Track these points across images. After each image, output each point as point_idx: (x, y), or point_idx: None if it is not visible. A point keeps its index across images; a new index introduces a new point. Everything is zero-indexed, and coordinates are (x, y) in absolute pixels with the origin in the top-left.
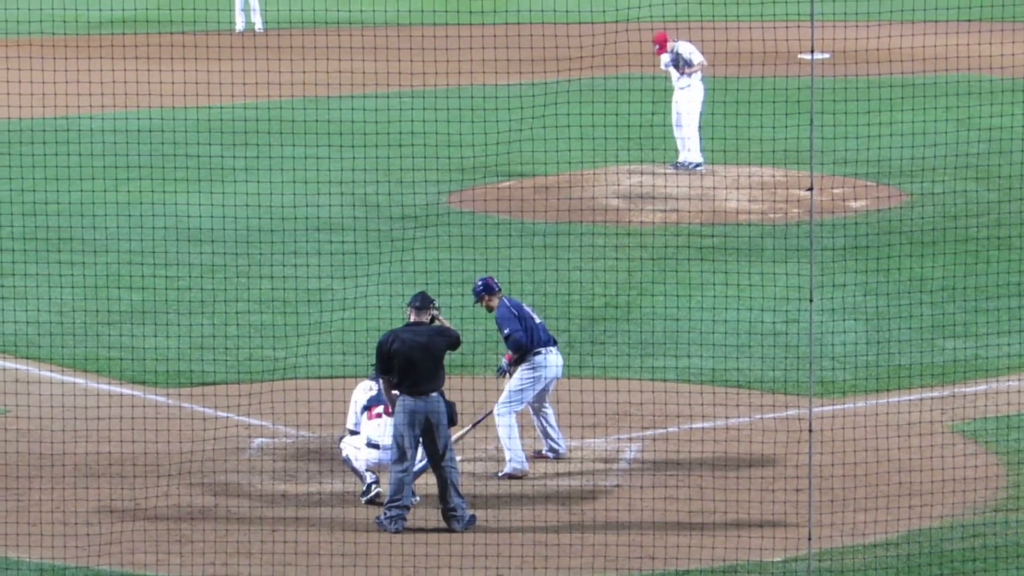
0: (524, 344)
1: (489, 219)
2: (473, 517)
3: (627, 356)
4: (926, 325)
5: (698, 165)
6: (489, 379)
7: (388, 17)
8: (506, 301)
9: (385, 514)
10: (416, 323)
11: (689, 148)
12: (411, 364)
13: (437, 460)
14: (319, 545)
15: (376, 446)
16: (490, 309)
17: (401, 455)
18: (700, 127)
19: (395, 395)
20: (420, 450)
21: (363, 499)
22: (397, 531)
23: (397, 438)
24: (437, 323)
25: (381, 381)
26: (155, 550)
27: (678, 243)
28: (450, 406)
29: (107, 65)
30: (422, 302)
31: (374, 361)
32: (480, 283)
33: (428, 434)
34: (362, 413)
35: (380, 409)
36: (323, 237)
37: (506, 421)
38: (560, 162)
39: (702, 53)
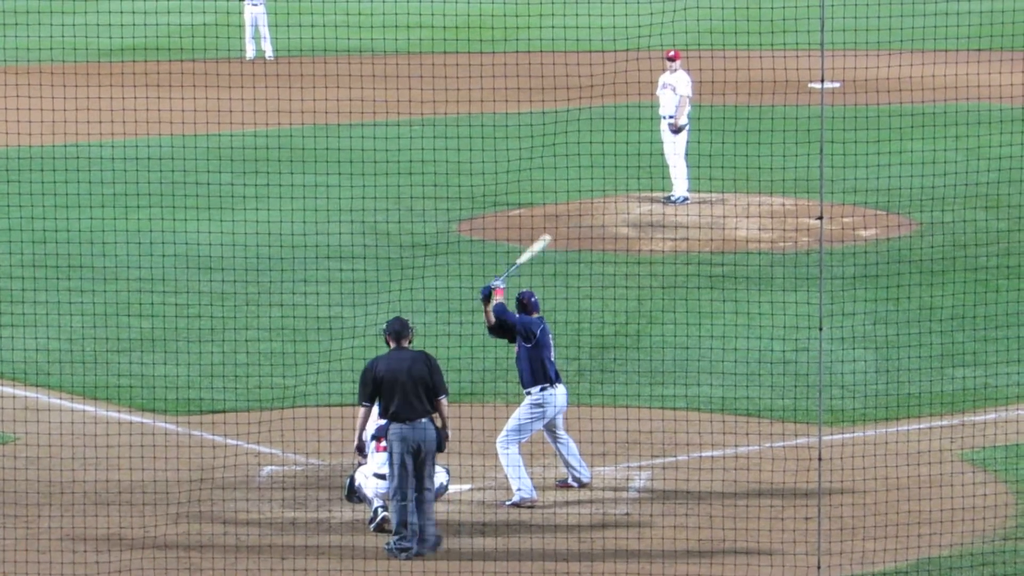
0: (507, 323)
1: (499, 247)
2: (438, 541)
3: (637, 384)
4: (935, 354)
5: (684, 200)
6: (499, 407)
7: (399, 45)
8: (526, 319)
9: (393, 543)
10: (398, 348)
11: (676, 177)
12: (395, 390)
13: (419, 484)
14: (328, 573)
15: (382, 477)
16: None
17: (398, 485)
18: (687, 156)
19: (380, 426)
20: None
21: (370, 527)
22: (408, 559)
23: (391, 467)
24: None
25: (361, 411)
26: None
27: (688, 271)
28: (439, 432)
29: (117, 93)
30: (400, 330)
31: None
32: (518, 297)
33: (417, 459)
34: (370, 442)
35: (387, 442)
36: (333, 265)
37: (511, 451)
38: (570, 190)
39: (691, 90)
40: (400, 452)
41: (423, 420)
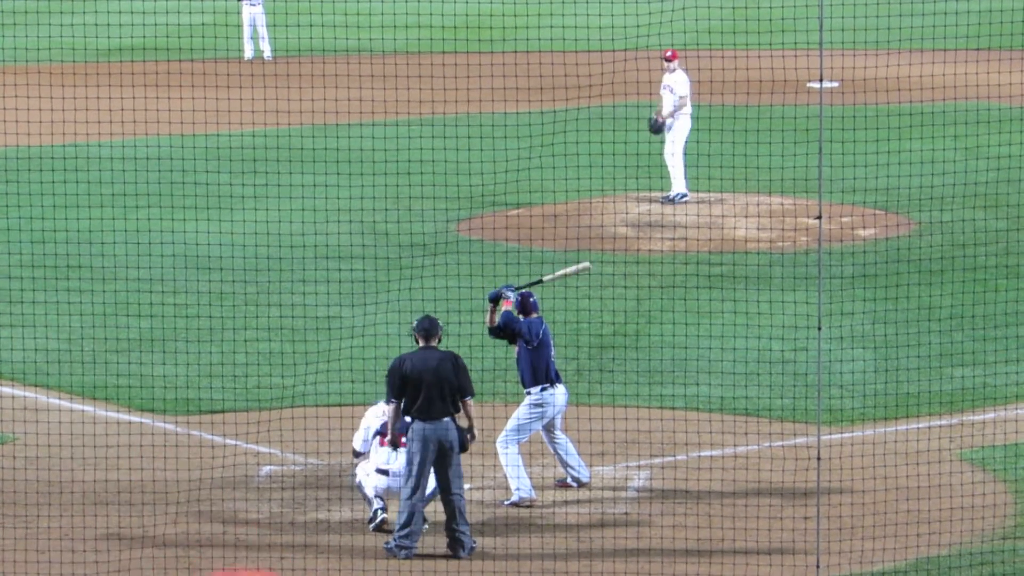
0: (514, 330)
1: (498, 247)
2: (474, 546)
3: (635, 384)
4: (934, 353)
5: (683, 196)
6: (498, 407)
7: (397, 45)
8: (528, 320)
9: (394, 541)
10: (426, 347)
11: (675, 177)
12: (421, 387)
13: (446, 487)
14: (328, 573)
15: (385, 472)
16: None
17: (414, 484)
18: (685, 155)
19: (402, 423)
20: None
21: (370, 527)
22: (406, 558)
23: (410, 465)
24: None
25: (390, 408)
26: None
27: (687, 271)
28: (461, 433)
29: (116, 93)
30: (429, 328)
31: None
32: (517, 298)
33: (439, 460)
34: (374, 438)
35: (407, 440)
36: (332, 265)
37: (510, 451)
38: (569, 190)
39: (690, 90)
40: (419, 451)
41: (445, 420)
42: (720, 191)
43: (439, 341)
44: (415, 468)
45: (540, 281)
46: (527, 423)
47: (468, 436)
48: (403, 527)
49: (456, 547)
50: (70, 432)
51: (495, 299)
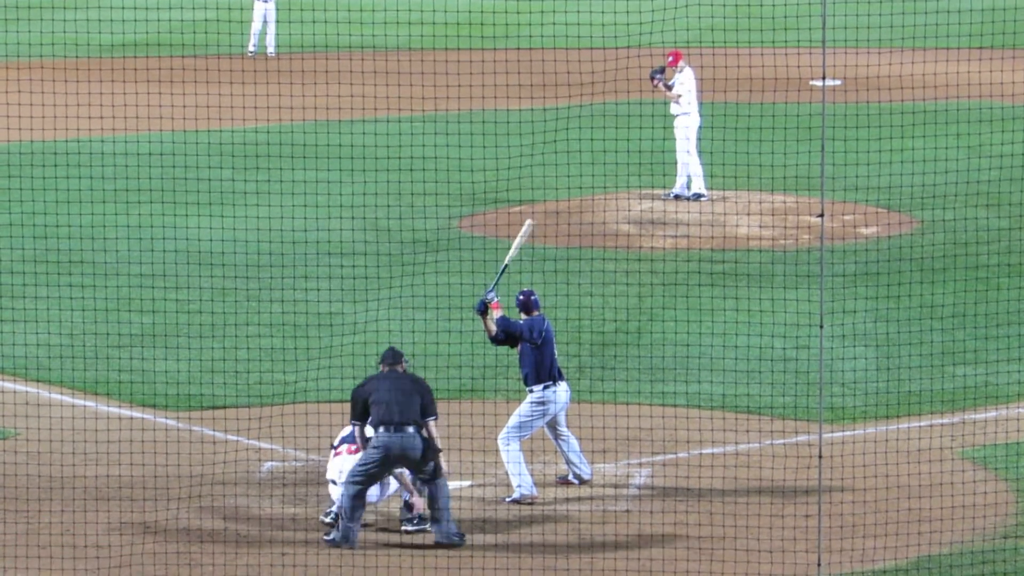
0: (513, 333)
1: (500, 244)
2: (460, 536)
3: (637, 381)
4: (936, 352)
5: (699, 196)
6: (499, 403)
7: (400, 42)
8: (530, 320)
9: (336, 531)
10: (391, 370)
11: (692, 176)
12: (382, 398)
13: (426, 480)
14: (328, 569)
15: (334, 483)
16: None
17: (361, 485)
18: (700, 153)
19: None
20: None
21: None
22: (346, 545)
23: (364, 466)
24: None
25: (356, 429)
26: (165, 573)
27: (689, 269)
28: (426, 442)
29: (119, 88)
30: (393, 357)
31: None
32: (519, 297)
33: (409, 465)
34: (331, 449)
35: (343, 448)
36: (334, 261)
37: (512, 447)
38: (571, 187)
39: (696, 87)
40: (376, 459)
41: (410, 429)
42: (722, 189)
43: (404, 371)
44: (367, 467)
45: (506, 267)
46: (529, 420)
47: (436, 445)
48: (346, 516)
49: (438, 531)
50: (72, 427)
51: (482, 311)
